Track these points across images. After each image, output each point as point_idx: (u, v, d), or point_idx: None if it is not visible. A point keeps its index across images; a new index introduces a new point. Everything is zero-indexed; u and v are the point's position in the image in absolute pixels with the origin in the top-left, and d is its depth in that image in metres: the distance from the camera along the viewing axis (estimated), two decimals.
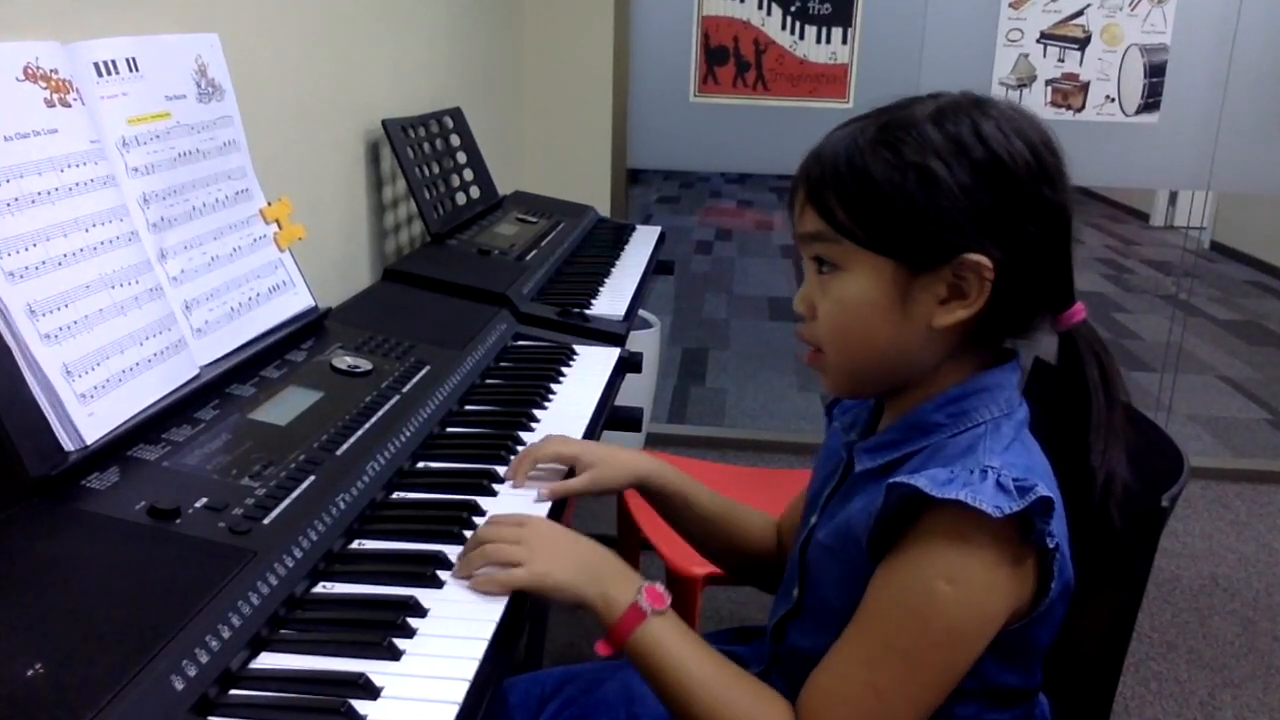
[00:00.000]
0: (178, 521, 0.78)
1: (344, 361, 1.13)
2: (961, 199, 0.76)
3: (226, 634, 0.68)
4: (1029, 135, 0.78)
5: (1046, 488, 0.74)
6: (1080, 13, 2.62)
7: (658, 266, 2.05)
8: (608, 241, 2.04)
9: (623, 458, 1.04)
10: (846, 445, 0.91)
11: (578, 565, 0.84)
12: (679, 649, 0.82)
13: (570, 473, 1.03)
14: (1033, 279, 0.79)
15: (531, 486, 1.00)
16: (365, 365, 1.14)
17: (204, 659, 0.65)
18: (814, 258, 0.83)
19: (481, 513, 0.94)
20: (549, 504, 0.98)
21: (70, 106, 0.90)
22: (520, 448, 1.08)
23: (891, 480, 0.76)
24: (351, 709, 0.65)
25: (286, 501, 0.84)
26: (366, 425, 1.01)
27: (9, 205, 0.82)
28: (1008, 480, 0.74)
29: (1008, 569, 0.75)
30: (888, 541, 0.78)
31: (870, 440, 0.88)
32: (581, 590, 0.83)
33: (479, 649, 0.74)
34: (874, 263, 0.79)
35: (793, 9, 2.66)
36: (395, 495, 0.96)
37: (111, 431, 0.86)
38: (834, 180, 0.80)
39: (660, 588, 0.84)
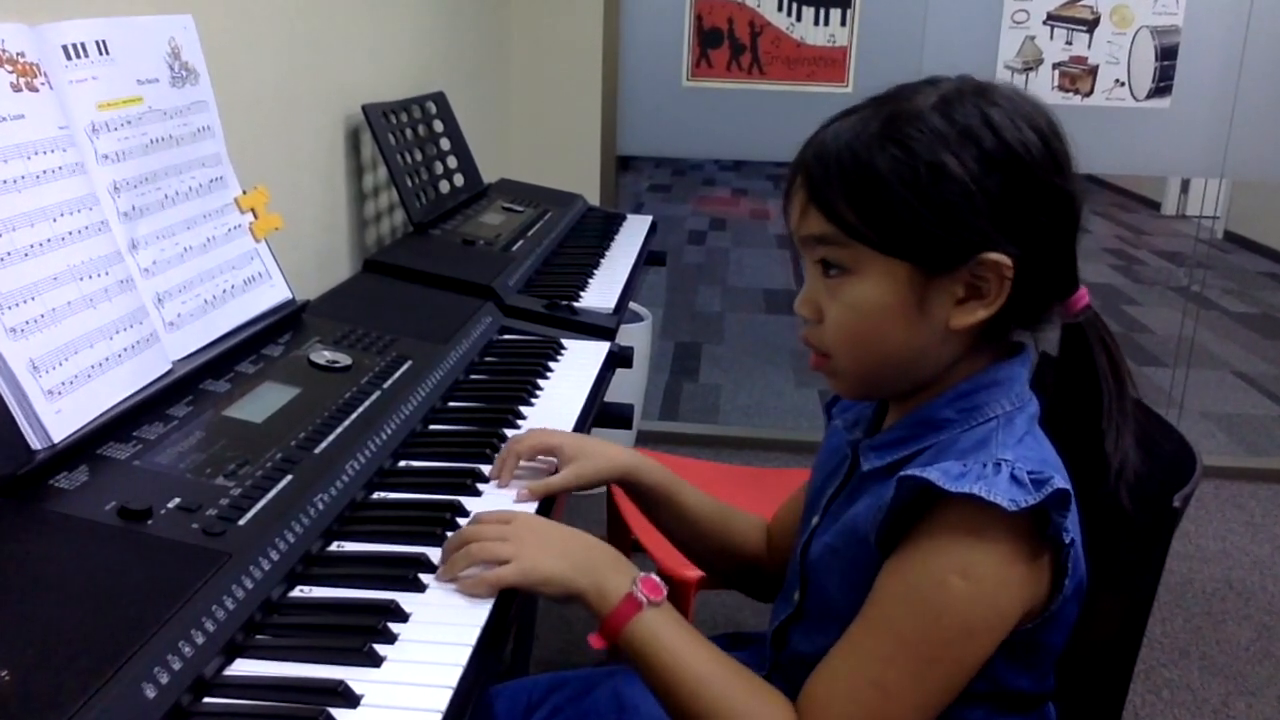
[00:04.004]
0: (149, 522, 0.77)
1: (322, 356, 1.12)
2: (978, 196, 0.74)
3: (200, 640, 0.67)
4: (1037, 122, 0.77)
5: (1062, 481, 0.73)
6: None
7: (649, 257, 2.04)
8: (597, 231, 2.03)
9: (608, 450, 1.02)
10: (851, 444, 0.90)
11: (568, 555, 0.82)
12: (676, 641, 0.80)
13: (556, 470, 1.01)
14: (1047, 271, 0.78)
15: (516, 485, 0.98)
16: (344, 360, 1.12)
17: (177, 666, 0.64)
18: (819, 260, 0.81)
19: (465, 513, 0.93)
20: (535, 504, 0.96)
21: (38, 91, 0.89)
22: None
23: (903, 473, 0.75)
24: (330, 717, 0.64)
25: (262, 502, 0.83)
26: (346, 422, 0.99)
27: None
28: (1022, 473, 0.73)
29: (1023, 565, 0.74)
30: (897, 536, 0.76)
31: (877, 438, 0.86)
32: (572, 580, 0.81)
33: (463, 655, 0.73)
34: (888, 266, 0.77)
35: None
36: (376, 495, 0.95)
37: (80, 429, 0.84)
38: (841, 180, 0.77)
39: (656, 578, 0.82)
